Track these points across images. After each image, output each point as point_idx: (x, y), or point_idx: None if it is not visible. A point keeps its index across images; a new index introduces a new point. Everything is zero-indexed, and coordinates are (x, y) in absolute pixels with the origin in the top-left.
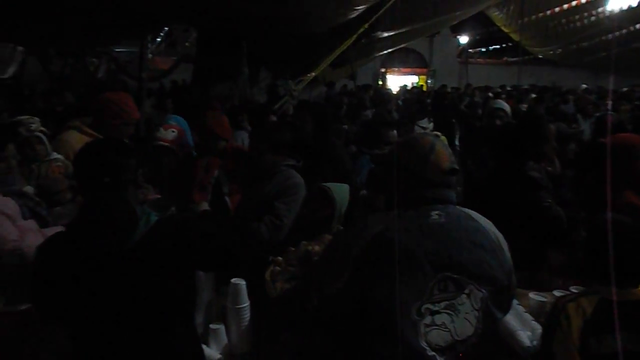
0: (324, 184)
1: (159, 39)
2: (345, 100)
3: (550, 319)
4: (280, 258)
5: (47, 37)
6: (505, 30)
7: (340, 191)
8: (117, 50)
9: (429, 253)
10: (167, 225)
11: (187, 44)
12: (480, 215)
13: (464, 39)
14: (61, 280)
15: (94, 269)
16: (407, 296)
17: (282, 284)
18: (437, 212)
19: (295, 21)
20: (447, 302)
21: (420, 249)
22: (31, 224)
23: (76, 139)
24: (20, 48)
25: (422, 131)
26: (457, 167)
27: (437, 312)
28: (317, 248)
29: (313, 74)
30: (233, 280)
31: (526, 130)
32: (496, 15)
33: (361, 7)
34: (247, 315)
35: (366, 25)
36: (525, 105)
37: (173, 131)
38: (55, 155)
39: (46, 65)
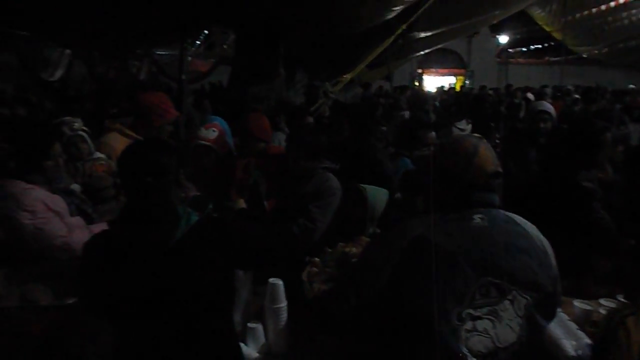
0: (362, 185)
1: (198, 42)
2: (382, 101)
3: (606, 333)
4: (317, 259)
5: (92, 40)
6: (548, 29)
7: (377, 193)
8: (158, 52)
9: (471, 257)
10: (207, 225)
11: (225, 46)
12: (525, 220)
13: (503, 39)
14: (106, 276)
15: (136, 266)
16: (448, 301)
17: (319, 285)
18: (479, 215)
19: (332, 23)
20: (489, 308)
21: (461, 253)
22: (78, 220)
23: (118, 141)
24: (67, 51)
25: (461, 133)
26: (500, 170)
27: (479, 318)
28: (354, 250)
29: (349, 75)
30: (271, 280)
31: (580, 137)
32: (538, 13)
33: (399, 8)
34: (284, 315)
35: (404, 26)
36: (572, 107)
37: (214, 131)
38: (99, 154)
39: (91, 67)
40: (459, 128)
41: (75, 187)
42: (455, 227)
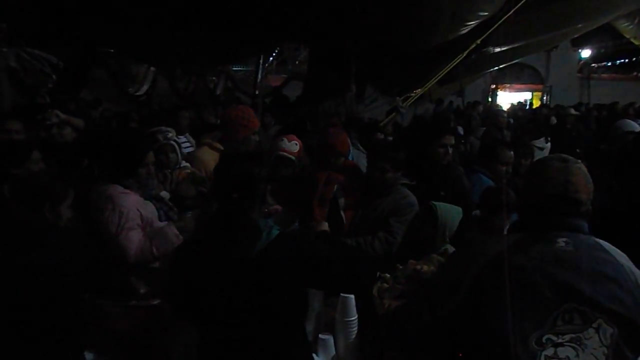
0: (435, 202)
1: (271, 58)
2: (453, 117)
3: None
4: (387, 275)
5: (175, 58)
6: (636, 42)
7: (449, 211)
8: (233, 69)
9: (553, 281)
10: (286, 241)
11: (297, 62)
12: (614, 248)
13: (586, 53)
14: (191, 282)
15: (219, 274)
16: (526, 324)
17: (390, 301)
18: (564, 239)
19: (405, 40)
20: (572, 335)
21: (542, 276)
22: (167, 226)
23: (208, 155)
24: (152, 68)
25: (540, 152)
26: (591, 195)
27: (561, 345)
28: (425, 267)
29: (420, 90)
30: (342, 293)
31: None
32: (625, 26)
33: (473, 23)
34: (354, 328)
35: (478, 41)
36: None
37: (296, 144)
38: (185, 163)
39: (173, 83)
40: (537, 147)
41: (165, 194)
42: (538, 249)
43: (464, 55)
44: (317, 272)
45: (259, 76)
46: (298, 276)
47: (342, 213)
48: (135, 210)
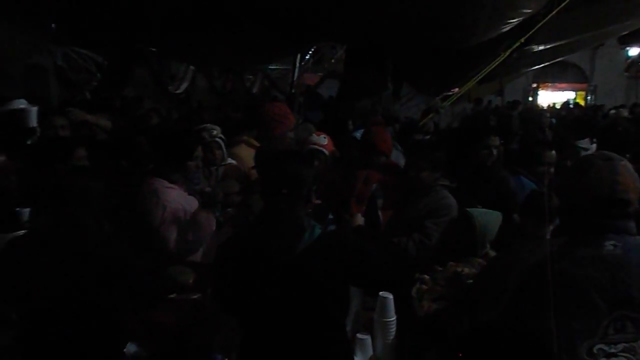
0: (469, 209)
1: (307, 57)
2: (492, 117)
3: None
4: (427, 276)
5: (214, 57)
6: None
7: (487, 218)
8: (270, 67)
9: (602, 287)
10: (329, 240)
11: (332, 60)
12: None
13: (634, 51)
14: (235, 277)
15: (262, 270)
16: (575, 333)
17: (429, 303)
18: (612, 242)
19: (444, 37)
20: (625, 345)
21: (590, 282)
22: (197, 212)
23: (245, 152)
24: (191, 67)
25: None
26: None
27: (614, 355)
28: (466, 270)
29: (461, 90)
30: (381, 293)
31: None
32: None
33: (515, 20)
34: (393, 329)
35: (522, 40)
36: None
37: (324, 137)
38: (230, 160)
39: (211, 81)
40: (582, 147)
41: (209, 190)
42: (585, 254)
43: (506, 54)
44: (358, 271)
45: (295, 75)
46: (340, 275)
47: (379, 212)
48: (178, 205)
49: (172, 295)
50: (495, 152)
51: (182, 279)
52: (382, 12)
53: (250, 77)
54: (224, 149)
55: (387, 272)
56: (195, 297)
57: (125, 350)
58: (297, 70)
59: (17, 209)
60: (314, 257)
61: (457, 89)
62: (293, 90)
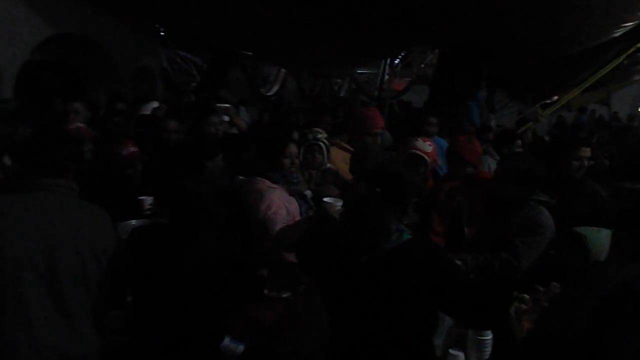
0: (578, 228)
1: (396, 61)
2: (596, 128)
3: None
4: (527, 296)
5: (305, 61)
6: None
7: (598, 238)
8: (358, 71)
9: None
10: (417, 247)
11: (422, 65)
12: None
13: None
14: (320, 272)
15: (346, 268)
16: None
17: (528, 324)
18: None
19: (548, 43)
20: None
21: None
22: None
23: (337, 155)
24: (283, 70)
25: None
26: None
27: None
28: None
29: (563, 98)
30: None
31: None
32: None
33: (630, 24)
34: (489, 347)
35: (639, 45)
36: None
37: (430, 145)
38: (330, 165)
39: (300, 84)
40: None
41: (308, 193)
42: None
43: (620, 60)
44: (446, 294)
45: (383, 79)
46: (424, 288)
47: (465, 228)
48: (281, 204)
49: (265, 292)
50: (586, 164)
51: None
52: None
53: (339, 80)
54: (325, 154)
55: (479, 303)
56: (285, 295)
57: (222, 343)
58: (385, 74)
59: (140, 197)
60: (399, 261)
61: (556, 97)
62: (380, 95)
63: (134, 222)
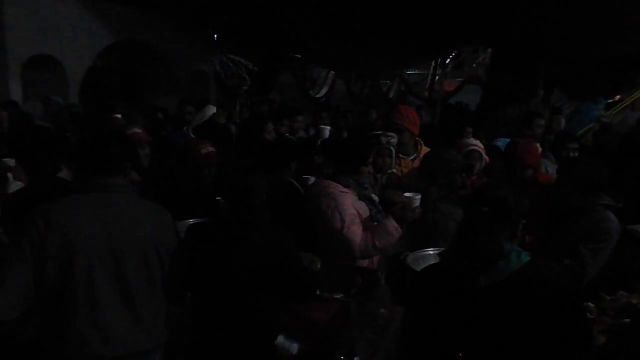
0: (633, 227)
1: (447, 61)
2: None
3: None
4: (591, 304)
5: (354, 63)
6: None
7: None
8: (408, 72)
9: None
10: (541, 271)
11: (474, 65)
12: None
13: None
14: (427, 301)
15: (460, 293)
16: None
17: (596, 335)
18: None
19: (613, 40)
20: None
21: None
22: (387, 220)
23: None
24: (332, 72)
25: None
26: None
27: None
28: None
29: (628, 99)
30: None
31: None
32: None
33: None
34: None
35: None
36: None
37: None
38: (394, 170)
39: (349, 86)
40: None
41: (375, 197)
42: None
43: None
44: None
45: (434, 79)
46: (551, 320)
47: (524, 235)
48: (353, 209)
49: (318, 293)
50: None
51: (313, 267)
52: (542, 12)
53: (388, 82)
54: (394, 158)
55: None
56: (339, 297)
57: (276, 341)
58: (435, 75)
59: (218, 198)
60: (523, 287)
61: (618, 97)
62: (430, 96)
63: (191, 221)
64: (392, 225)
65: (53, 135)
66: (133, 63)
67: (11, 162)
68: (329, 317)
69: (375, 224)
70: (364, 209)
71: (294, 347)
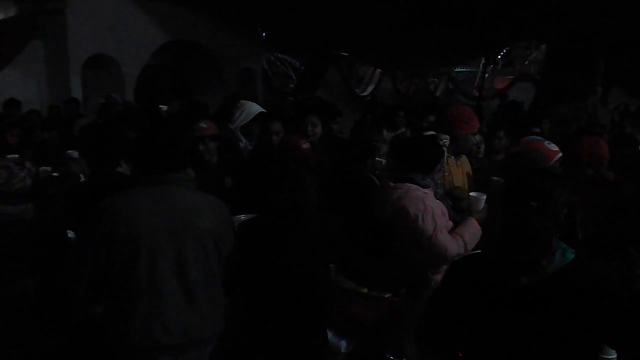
0: None
1: (497, 58)
2: None
3: None
4: None
5: (401, 60)
6: None
7: None
8: (456, 70)
9: None
10: (588, 269)
11: (526, 62)
12: None
13: None
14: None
15: (497, 292)
16: None
17: None
18: None
19: None
20: None
21: None
22: (471, 221)
23: None
24: (378, 70)
25: None
26: None
27: None
28: None
29: None
30: None
31: None
32: None
33: None
34: None
35: None
36: None
37: (553, 145)
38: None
39: (395, 84)
40: None
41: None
42: None
43: None
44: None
45: (483, 77)
46: (599, 320)
47: (577, 229)
48: (440, 210)
49: (364, 291)
50: None
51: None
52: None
53: (435, 79)
54: (445, 158)
55: None
56: (387, 296)
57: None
58: (485, 73)
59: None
60: (568, 285)
61: None
62: (479, 94)
63: (242, 217)
64: (476, 225)
65: (115, 130)
66: (184, 62)
67: (74, 153)
68: (378, 315)
69: (466, 221)
70: (443, 208)
71: (342, 344)
